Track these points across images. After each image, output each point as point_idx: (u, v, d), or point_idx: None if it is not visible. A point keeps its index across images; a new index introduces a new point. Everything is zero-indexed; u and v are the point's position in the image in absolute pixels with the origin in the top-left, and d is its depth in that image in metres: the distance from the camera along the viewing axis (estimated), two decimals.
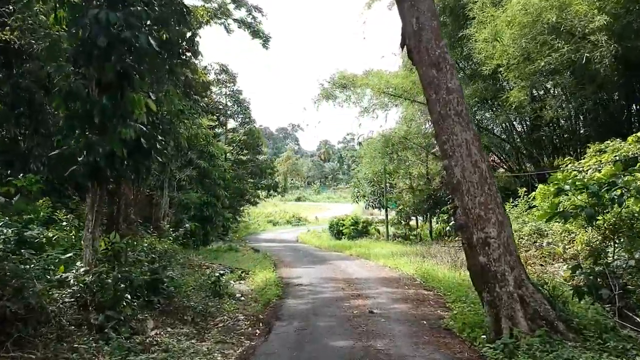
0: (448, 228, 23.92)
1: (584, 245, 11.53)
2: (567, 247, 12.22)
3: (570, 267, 10.61)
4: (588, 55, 15.11)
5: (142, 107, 8.05)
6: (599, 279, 6.93)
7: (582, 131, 22.42)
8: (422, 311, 8.94)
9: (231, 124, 38.20)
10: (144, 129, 8.43)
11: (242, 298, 11.45)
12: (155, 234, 14.19)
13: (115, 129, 7.91)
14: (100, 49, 7.68)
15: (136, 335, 7.67)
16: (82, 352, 6.46)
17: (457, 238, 21.40)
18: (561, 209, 8.98)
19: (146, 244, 12.59)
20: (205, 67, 25.74)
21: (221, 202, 26.32)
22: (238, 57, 79.80)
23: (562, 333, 5.84)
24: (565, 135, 22.94)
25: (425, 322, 8.01)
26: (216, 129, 33.57)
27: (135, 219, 13.76)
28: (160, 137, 10.69)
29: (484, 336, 6.38)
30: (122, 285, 7.72)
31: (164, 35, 9.70)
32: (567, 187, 8.94)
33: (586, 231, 11.80)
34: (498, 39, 17.60)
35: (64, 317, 7.06)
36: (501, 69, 18.40)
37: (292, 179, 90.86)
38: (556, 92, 21.15)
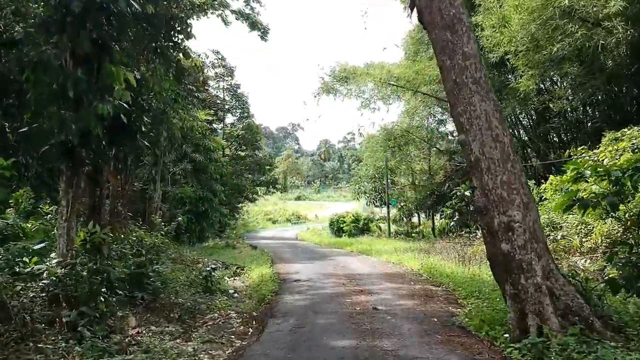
0: (452, 224, 23.10)
1: (603, 237, 10.77)
2: (583, 239, 11.43)
3: (598, 258, 9.89)
4: (603, 42, 14.35)
5: (121, 81, 7.23)
6: (635, 271, 6.11)
7: (589, 124, 21.74)
8: (431, 307, 8.13)
9: (229, 119, 37.41)
10: (126, 106, 7.62)
11: (236, 294, 10.67)
12: (145, 228, 13.35)
13: (91, 104, 7.11)
14: (75, 16, 6.90)
15: (114, 334, 6.91)
16: (48, 352, 5.68)
17: (462, 233, 20.62)
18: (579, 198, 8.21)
19: (134, 237, 11.81)
20: (200, 55, 24.87)
21: (218, 198, 25.50)
22: (238, 57, 79.37)
23: (598, 331, 5.04)
24: (573, 129, 22.22)
25: (435, 320, 7.19)
26: (214, 124, 32.74)
27: (123, 211, 12.95)
28: (147, 120, 9.93)
29: (507, 335, 5.57)
30: (99, 279, 6.91)
31: (150, 9, 8.90)
32: (587, 172, 8.17)
33: (605, 223, 11.05)
34: (506, 24, 16.86)
35: (30, 314, 6.30)
36: (509, 56, 17.69)
37: (292, 178, 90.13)
38: (565, 83, 20.46)
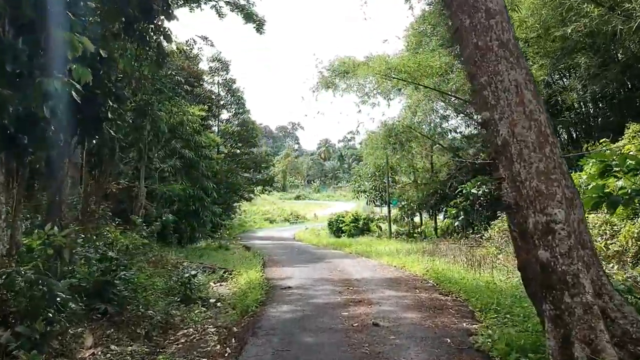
0: (457, 224, 21.91)
1: (633, 239, 9.57)
2: (609, 242, 10.21)
3: (628, 264, 8.72)
4: (621, 27, 13.21)
5: (78, 49, 6.00)
6: None
7: (601, 119, 20.65)
8: (441, 323, 6.91)
9: (224, 115, 36.17)
10: (78, 86, 6.40)
11: (219, 304, 9.47)
12: (122, 229, 12.16)
13: (35, 81, 5.91)
14: None
15: (62, 357, 5.74)
16: None
17: (467, 234, 19.41)
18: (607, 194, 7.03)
19: (110, 240, 10.63)
20: (187, 41, 23.60)
21: (211, 197, 24.26)
22: (237, 57, 78.34)
23: None
24: (583, 124, 21.10)
25: (449, 340, 5.97)
26: (209, 120, 31.52)
27: (97, 210, 11.73)
28: (114, 105, 8.73)
29: None
30: (40, 291, 5.69)
31: None
32: (615, 163, 6.99)
33: (634, 223, 9.87)
34: (516, 7, 15.74)
35: None
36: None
37: (291, 177, 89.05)
38: (577, 73, 19.35)
